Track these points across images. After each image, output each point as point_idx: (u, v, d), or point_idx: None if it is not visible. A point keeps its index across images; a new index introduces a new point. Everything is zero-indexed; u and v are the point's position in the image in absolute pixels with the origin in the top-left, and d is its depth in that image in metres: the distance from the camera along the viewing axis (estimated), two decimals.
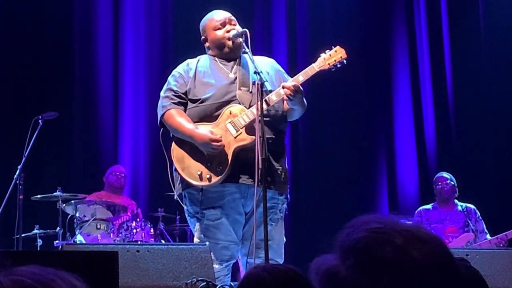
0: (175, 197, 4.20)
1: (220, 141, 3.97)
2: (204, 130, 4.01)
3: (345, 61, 4.19)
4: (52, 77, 7.83)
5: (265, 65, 4.22)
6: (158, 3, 8.43)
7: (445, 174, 6.70)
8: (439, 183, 6.64)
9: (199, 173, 3.99)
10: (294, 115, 4.25)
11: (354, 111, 8.46)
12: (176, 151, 4.10)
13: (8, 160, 6.54)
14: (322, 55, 4.18)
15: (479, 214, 6.52)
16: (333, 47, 4.21)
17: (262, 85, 3.89)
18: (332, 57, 4.16)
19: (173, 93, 4.14)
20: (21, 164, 5.90)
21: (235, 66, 4.19)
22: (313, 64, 4.14)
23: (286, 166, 4.20)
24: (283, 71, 4.38)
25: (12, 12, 7.81)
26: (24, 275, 0.90)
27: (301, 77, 4.08)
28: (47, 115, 6.13)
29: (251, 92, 4.07)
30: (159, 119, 4.19)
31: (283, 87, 3.99)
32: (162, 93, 4.23)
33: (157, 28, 8.38)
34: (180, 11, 8.19)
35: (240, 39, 4.14)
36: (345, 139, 8.32)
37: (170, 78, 4.24)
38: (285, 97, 4.01)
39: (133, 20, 8.32)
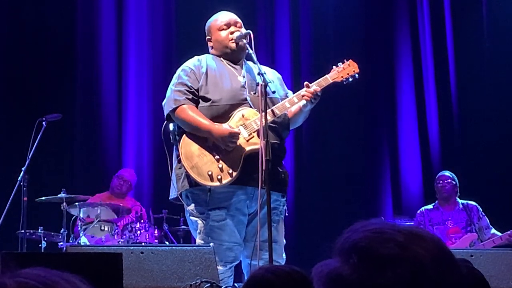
0: (172, 195, 4.13)
1: (239, 134, 3.97)
2: (222, 125, 4.00)
3: (357, 75, 4.23)
4: (56, 79, 7.83)
5: (270, 74, 4.23)
6: (162, 3, 8.42)
7: (447, 173, 6.69)
8: (440, 182, 6.64)
9: (209, 173, 3.93)
10: (298, 121, 4.30)
11: (357, 112, 8.46)
12: (185, 148, 4.01)
13: (12, 162, 6.55)
14: (335, 67, 4.22)
15: (481, 210, 6.50)
16: (345, 60, 4.25)
17: (266, 86, 3.89)
18: (345, 70, 4.21)
19: (187, 88, 4.06)
20: (25, 165, 5.90)
21: (243, 70, 4.19)
22: (327, 75, 4.19)
23: (286, 169, 4.22)
24: (284, 83, 4.42)
25: (15, 13, 7.81)
26: (29, 277, 0.90)
27: (315, 86, 4.10)
28: (50, 116, 6.13)
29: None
30: (167, 112, 4.09)
31: (307, 92, 4.04)
32: (172, 87, 4.12)
33: (161, 29, 8.38)
34: (184, 12, 8.19)
35: (244, 41, 4.13)
36: (348, 140, 8.31)
37: (180, 72, 4.15)
38: (306, 98, 4.05)
39: (136, 20, 8.31)
